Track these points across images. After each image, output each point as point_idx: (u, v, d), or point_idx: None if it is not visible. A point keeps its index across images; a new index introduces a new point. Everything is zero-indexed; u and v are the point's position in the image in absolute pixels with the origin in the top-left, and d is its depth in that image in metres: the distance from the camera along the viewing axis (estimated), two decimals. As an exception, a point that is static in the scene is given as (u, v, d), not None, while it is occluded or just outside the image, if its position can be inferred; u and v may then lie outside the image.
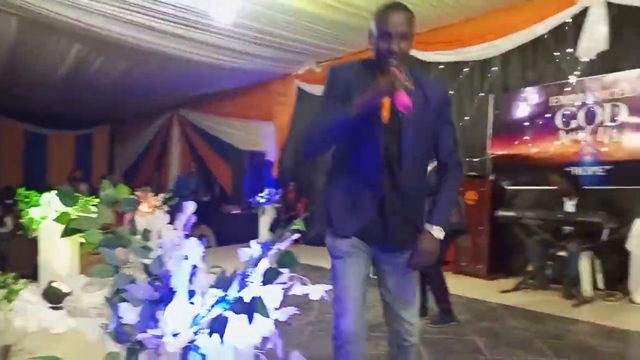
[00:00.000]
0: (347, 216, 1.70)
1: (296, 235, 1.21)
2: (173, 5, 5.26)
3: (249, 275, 1.08)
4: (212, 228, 8.56)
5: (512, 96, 5.79)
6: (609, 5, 4.75)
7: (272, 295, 1.14)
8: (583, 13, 4.91)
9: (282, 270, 1.08)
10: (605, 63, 4.94)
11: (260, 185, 9.00)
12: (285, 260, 1.08)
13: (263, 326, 1.11)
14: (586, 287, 4.36)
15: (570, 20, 5.08)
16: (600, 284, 4.51)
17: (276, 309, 1.16)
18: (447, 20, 5.96)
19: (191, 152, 11.07)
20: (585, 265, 4.37)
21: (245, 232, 8.69)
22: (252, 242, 1.19)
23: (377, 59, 1.63)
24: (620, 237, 4.34)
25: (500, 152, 5.83)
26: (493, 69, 5.91)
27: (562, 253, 4.54)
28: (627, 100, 4.80)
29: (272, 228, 8.27)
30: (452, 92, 6.28)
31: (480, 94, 6.05)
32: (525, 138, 5.55)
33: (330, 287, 1.29)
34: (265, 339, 1.13)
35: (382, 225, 1.67)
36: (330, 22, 5.86)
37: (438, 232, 1.67)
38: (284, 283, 1.19)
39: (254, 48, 6.83)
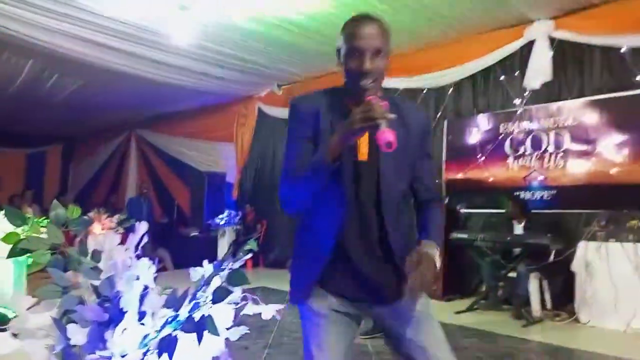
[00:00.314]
0: (302, 271, 1.47)
1: (248, 256, 1.23)
2: (132, 25, 5.24)
3: (200, 294, 1.10)
4: (170, 251, 8.38)
5: (465, 122, 6.04)
6: (552, 39, 5.08)
7: (223, 314, 1.16)
8: (529, 45, 5.23)
9: (232, 289, 1.10)
10: (550, 93, 5.26)
11: (220, 207, 8.92)
12: (236, 279, 1.10)
13: (213, 346, 1.12)
14: (535, 307, 4.54)
15: (518, 51, 5.40)
16: (548, 304, 4.70)
17: (227, 328, 1.17)
18: (404, 49, 6.20)
19: (149, 173, 10.86)
20: (533, 286, 4.56)
21: (203, 255, 8.49)
22: (205, 262, 1.21)
23: (348, 85, 1.41)
24: (565, 259, 4.56)
25: (454, 176, 6.04)
26: (447, 95, 6.16)
27: (512, 274, 4.72)
28: (569, 128, 5.10)
29: (231, 250, 8.18)
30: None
31: (436, 120, 6.28)
32: (477, 163, 5.78)
33: (281, 306, 1.30)
34: (215, 359, 1.14)
35: (360, 276, 1.41)
36: (290, 46, 5.98)
37: (436, 252, 1.35)
38: (236, 303, 1.20)
39: (215, 69, 6.86)
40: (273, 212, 7.75)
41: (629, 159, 4.67)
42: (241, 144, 8.79)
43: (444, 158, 6.17)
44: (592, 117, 4.96)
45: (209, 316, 1.03)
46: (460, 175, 5.97)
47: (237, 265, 1.19)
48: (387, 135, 1.21)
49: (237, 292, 1.25)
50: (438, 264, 1.33)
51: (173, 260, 8.26)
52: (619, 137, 4.76)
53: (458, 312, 4.80)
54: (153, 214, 9.40)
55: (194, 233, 9.03)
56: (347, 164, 1.36)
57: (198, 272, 1.17)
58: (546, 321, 4.49)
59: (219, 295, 1.07)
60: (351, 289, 1.41)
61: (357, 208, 1.40)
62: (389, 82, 6.62)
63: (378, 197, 1.40)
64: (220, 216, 8.33)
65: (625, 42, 4.63)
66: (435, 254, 1.33)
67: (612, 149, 4.80)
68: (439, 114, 6.24)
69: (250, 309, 1.24)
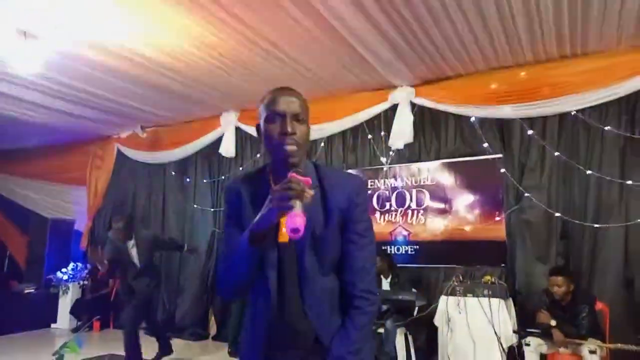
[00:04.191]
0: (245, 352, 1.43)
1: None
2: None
3: None
4: (-6, 311, 7.01)
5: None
6: (413, 105, 5.46)
7: None
8: (394, 108, 5.55)
9: None
10: (411, 153, 5.59)
11: (64, 259, 7.79)
12: None
13: None
14: (401, 363, 4.57)
15: (383, 113, 5.69)
16: (413, 358, 4.77)
17: None
18: (277, 101, 6.17)
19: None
20: (400, 342, 4.60)
21: (40, 316, 7.29)
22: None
23: (272, 157, 1.36)
24: (428, 314, 4.70)
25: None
26: (319, 149, 6.23)
27: (380, 330, 4.72)
28: (428, 187, 5.45)
29: (75, 311, 7.12)
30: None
31: (307, 173, 6.28)
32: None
33: None
34: None
35: (281, 346, 1.36)
36: (153, 86, 5.55)
37: None
38: None
39: (64, 104, 6.10)
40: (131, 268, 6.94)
41: (480, 218, 5.09)
42: (95, 188, 7.89)
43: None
44: (447, 178, 5.36)
45: None
46: (330, 229, 5.97)
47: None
48: (294, 220, 1.13)
49: None
50: None
51: (-1, 323, 6.91)
52: (470, 197, 5.19)
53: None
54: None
55: (30, 289, 7.69)
56: (270, 247, 1.31)
57: None
58: (412, 378, 4.53)
59: None
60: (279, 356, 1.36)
61: (281, 295, 1.34)
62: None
63: (300, 284, 1.33)
64: (64, 270, 7.25)
65: (472, 112, 5.15)
66: None
67: (465, 207, 5.20)
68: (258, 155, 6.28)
69: None
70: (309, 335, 1.34)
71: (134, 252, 4.93)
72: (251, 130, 6.57)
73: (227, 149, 6.71)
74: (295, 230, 1.13)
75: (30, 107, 6.12)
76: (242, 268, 1.30)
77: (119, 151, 7.78)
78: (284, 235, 1.28)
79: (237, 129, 6.70)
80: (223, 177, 6.98)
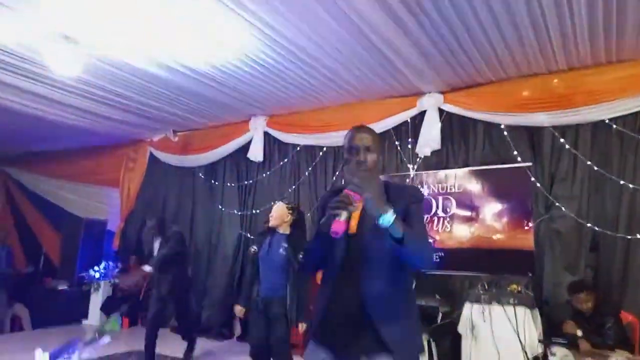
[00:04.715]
0: (316, 326, 1.82)
1: (107, 339, 0.95)
2: (6, 51, 4.65)
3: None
4: (31, 307, 7.28)
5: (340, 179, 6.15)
6: (441, 111, 5.45)
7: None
8: (421, 115, 5.56)
9: None
10: (439, 160, 5.57)
11: (96, 258, 8.03)
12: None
13: None
14: (424, 370, 4.52)
15: (411, 120, 5.70)
16: (436, 366, 4.72)
17: None
18: (305, 107, 6.27)
19: (13, 217, 9.55)
20: (424, 348, 4.55)
21: (72, 311, 7.52)
22: (38, 352, 0.90)
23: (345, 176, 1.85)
24: (452, 321, 4.66)
25: (349, 235, 6.03)
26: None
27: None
28: (455, 194, 5.41)
29: (105, 307, 7.31)
30: (307, 173, 6.52)
31: (334, 178, 6.33)
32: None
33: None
34: None
35: (339, 335, 1.71)
36: (187, 92, 5.73)
37: (389, 209, 1.61)
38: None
39: (102, 108, 6.33)
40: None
41: (508, 226, 5.02)
42: (127, 190, 8.12)
43: (340, 216, 6.17)
44: (475, 186, 5.31)
45: None
46: (355, 234, 5.98)
47: (89, 352, 0.91)
48: (337, 225, 1.58)
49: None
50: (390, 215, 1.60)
51: (33, 317, 7.18)
52: (498, 206, 5.13)
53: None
54: (13, 262, 8.19)
55: (63, 286, 7.95)
56: (343, 238, 1.70)
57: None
58: (434, 385, 4.48)
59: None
60: (330, 347, 1.73)
61: (346, 273, 1.74)
62: (288, 138, 6.65)
63: (363, 264, 1.72)
64: (96, 268, 7.47)
65: (502, 120, 5.10)
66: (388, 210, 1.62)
67: (493, 216, 5.14)
68: (337, 172, 6.32)
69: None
70: (361, 313, 1.68)
71: (156, 245, 5.04)
72: (279, 135, 6.68)
73: (256, 153, 6.82)
74: (334, 233, 1.58)
75: (67, 109, 6.38)
76: (316, 249, 1.81)
77: (151, 154, 8.01)
78: (352, 228, 1.75)
79: (266, 134, 6.82)
80: (251, 181, 7.10)
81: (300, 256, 3.63)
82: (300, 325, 3.56)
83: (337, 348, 1.72)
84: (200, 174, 7.58)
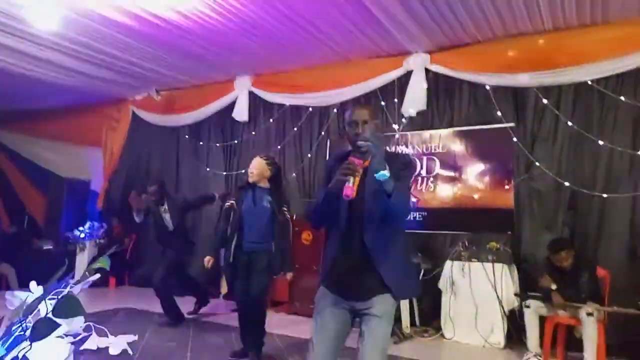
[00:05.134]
0: (325, 273, 2.10)
1: (96, 276, 0.99)
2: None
3: (19, 327, 0.83)
4: (17, 266, 7.28)
5: (347, 143, 6.15)
6: (427, 71, 5.44)
7: (55, 350, 0.90)
8: (407, 75, 5.54)
9: (58, 321, 0.84)
10: (424, 121, 5.60)
11: (81, 218, 8.00)
12: (66, 308, 0.85)
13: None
14: (405, 324, 4.70)
15: (397, 80, 5.68)
16: (417, 321, 4.91)
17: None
18: (291, 66, 6.19)
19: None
20: (404, 304, 4.72)
21: (58, 271, 7.55)
22: (33, 284, 0.93)
23: (350, 146, 2.07)
24: (433, 278, 4.81)
25: (334, 195, 6.09)
26: (331, 116, 6.27)
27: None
28: (439, 155, 5.47)
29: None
30: (293, 134, 6.51)
31: (319, 138, 6.34)
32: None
33: (134, 337, 1.07)
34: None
35: (345, 278, 2.01)
36: (169, 48, 5.59)
37: (386, 167, 1.89)
38: (74, 335, 0.94)
39: (82, 65, 6.17)
40: (143, 225, 7.10)
41: (489, 186, 5.12)
42: (110, 150, 8.03)
43: (325, 176, 6.22)
44: (458, 146, 5.37)
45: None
46: (340, 194, 6.05)
47: (79, 287, 0.94)
48: (347, 190, 1.87)
49: (77, 321, 0.99)
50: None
51: (20, 277, 7.19)
52: (481, 166, 5.21)
53: None
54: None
55: (48, 246, 7.95)
56: (344, 200, 1.92)
57: (17, 298, 0.89)
58: (415, 337, 4.67)
59: (40, 331, 0.81)
60: (340, 288, 2.02)
61: (350, 231, 2.01)
62: (273, 98, 6.59)
63: (365, 223, 1.99)
64: (81, 228, 7.46)
65: (488, 80, 5.12)
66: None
67: (475, 176, 5.23)
68: (323, 133, 6.32)
69: (93, 342, 0.99)
70: (365, 261, 1.97)
71: (167, 217, 5.11)
72: (265, 95, 6.62)
73: (241, 113, 6.77)
74: (346, 196, 1.87)
75: (47, 66, 6.20)
76: (324, 209, 2.05)
77: (134, 114, 7.88)
78: (354, 192, 1.93)
79: (251, 94, 6.74)
80: (236, 141, 7.07)
81: (285, 209, 3.68)
82: (288, 275, 3.68)
83: (345, 291, 2.01)
84: (185, 134, 7.51)
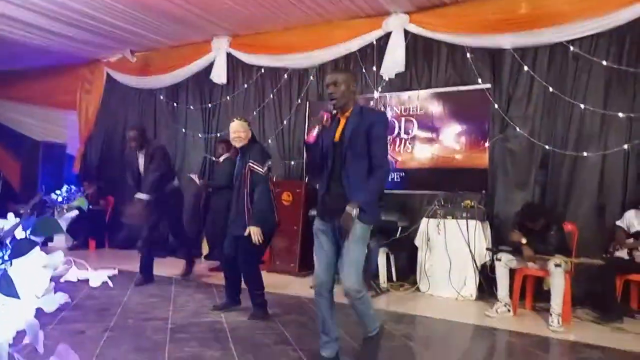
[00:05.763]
0: (318, 207, 2.68)
1: (75, 212, 1.02)
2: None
3: None
4: (-8, 231, 7.19)
5: (326, 105, 6.16)
6: (407, 33, 5.42)
7: (35, 279, 0.94)
8: (387, 37, 5.52)
9: (37, 240, 0.87)
10: (402, 83, 5.62)
11: (58, 182, 7.91)
12: (44, 227, 0.88)
13: (20, 316, 0.89)
14: (382, 279, 4.86)
15: (375, 42, 5.66)
16: (394, 276, 5.07)
17: (40, 296, 0.95)
18: (269, 27, 6.10)
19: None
20: (382, 260, 4.86)
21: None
22: (10, 214, 0.96)
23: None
24: (409, 235, 4.94)
25: (314, 157, 6.14)
26: (310, 78, 6.23)
27: (363, 250, 4.97)
28: (417, 116, 5.53)
29: (72, 231, 7.32)
30: (272, 96, 6.47)
31: (298, 101, 6.32)
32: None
33: (113, 271, 1.12)
34: (22, 333, 0.92)
35: (330, 206, 2.54)
36: (143, 6, 5.43)
37: (352, 208, 2.37)
38: (53, 267, 0.98)
39: (53, 24, 5.98)
40: (121, 188, 7.06)
41: (466, 146, 5.22)
42: (85, 112, 7.89)
43: (305, 138, 6.24)
44: (436, 108, 5.43)
45: (4, 274, 0.81)
46: (319, 156, 6.10)
47: (65, 220, 0.97)
48: (309, 137, 2.49)
49: (58, 256, 1.03)
50: (354, 213, 2.37)
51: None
52: (458, 127, 5.29)
53: (313, 287, 4.89)
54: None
55: (25, 210, 7.85)
56: (329, 144, 2.53)
57: (-2, 224, 0.92)
58: (392, 292, 4.84)
59: (20, 249, 0.84)
60: (327, 215, 2.58)
61: (334, 168, 2.53)
62: (252, 59, 6.50)
63: (343, 162, 2.50)
64: (58, 192, 7.38)
65: (466, 41, 5.13)
66: (351, 210, 2.37)
67: (452, 137, 5.32)
68: (302, 95, 6.30)
69: (73, 274, 1.03)
70: (343, 192, 2.47)
71: (141, 161, 4.77)
72: (243, 56, 6.52)
73: (219, 75, 6.68)
74: (307, 141, 2.51)
75: (18, 25, 6.00)
76: (314, 160, 2.59)
77: (108, 76, 7.71)
78: (336, 137, 2.52)
79: (229, 55, 6.64)
80: (214, 104, 7.00)
81: (269, 163, 3.66)
82: (247, 229, 3.48)
83: (331, 218, 2.54)
84: (162, 97, 7.40)
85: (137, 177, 4.82)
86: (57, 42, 6.69)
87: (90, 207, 7.35)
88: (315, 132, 2.45)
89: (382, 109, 5.69)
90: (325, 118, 2.45)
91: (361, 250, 2.49)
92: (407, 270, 5.11)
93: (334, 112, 2.52)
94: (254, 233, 3.44)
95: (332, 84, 2.53)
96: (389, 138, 5.58)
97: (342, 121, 2.55)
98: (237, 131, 3.64)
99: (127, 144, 4.92)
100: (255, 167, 3.54)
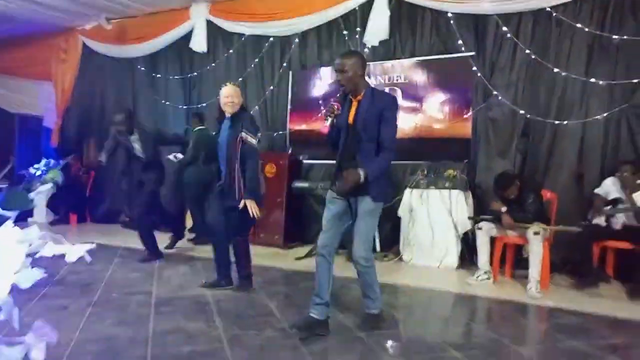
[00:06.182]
0: (332, 181, 2.84)
1: (49, 186, 0.98)
2: None
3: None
4: (-32, 207, 7.04)
5: (309, 74, 6.09)
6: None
7: (10, 255, 0.91)
8: (370, 4, 5.40)
9: (7, 213, 0.84)
10: (386, 51, 5.54)
11: (36, 156, 7.73)
12: (14, 200, 0.85)
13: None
14: (366, 249, 4.89)
15: (358, 9, 5.54)
16: (378, 247, 5.12)
17: (16, 272, 0.92)
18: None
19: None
20: (365, 230, 4.89)
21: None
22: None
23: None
24: (393, 205, 4.96)
25: (297, 127, 6.10)
26: (292, 46, 6.11)
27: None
28: (401, 85, 5.48)
29: (52, 205, 7.21)
30: (254, 65, 6.35)
31: (281, 70, 6.21)
32: (319, 115, 5.87)
33: (91, 245, 1.09)
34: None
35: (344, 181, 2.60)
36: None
37: (361, 172, 2.50)
38: (29, 243, 0.95)
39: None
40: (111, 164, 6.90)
41: (449, 115, 5.21)
42: (62, 83, 7.65)
43: (288, 109, 6.18)
44: (420, 76, 5.38)
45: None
46: (303, 127, 6.06)
47: (43, 194, 0.93)
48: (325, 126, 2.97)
49: (33, 231, 1.00)
50: (362, 178, 2.50)
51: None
52: (441, 96, 5.27)
53: (298, 258, 4.95)
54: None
55: (2, 185, 7.68)
56: (345, 125, 2.69)
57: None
58: (376, 262, 4.86)
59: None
60: (341, 192, 2.70)
61: (348, 147, 2.69)
62: (232, 27, 6.34)
63: (357, 143, 2.65)
64: (37, 166, 7.23)
65: (450, 8, 5.05)
66: (359, 172, 2.50)
67: (435, 106, 5.30)
68: (285, 64, 6.18)
69: (49, 249, 1.00)
70: (356, 165, 2.56)
71: (137, 145, 4.64)
72: (223, 23, 6.35)
73: (199, 43, 6.51)
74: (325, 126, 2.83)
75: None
76: (332, 135, 2.77)
77: (84, 45, 7.46)
78: (350, 120, 2.66)
79: (209, 23, 6.46)
80: (195, 74, 6.84)
81: (259, 135, 3.59)
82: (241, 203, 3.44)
83: (344, 194, 2.69)
84: (140, 66, 7.20)
85: (139, 164, 4.69)
86: (27, 9, 6.41)
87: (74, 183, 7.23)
88: (328, 122, 2.72)
89: (367, 78, 5.61)
90: (336, 107, 2.66)
91: (372, 224, 2.72)
92: (390, 240, 5.16)
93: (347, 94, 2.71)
94: (252, 206, 3.40)
95: (339, 71, 2.64)
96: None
97: (355, 104, 2.69)
98: (230, 95, 3.45)
99: (111, 126, 4.81)
100: (249, 138, 3.43)
